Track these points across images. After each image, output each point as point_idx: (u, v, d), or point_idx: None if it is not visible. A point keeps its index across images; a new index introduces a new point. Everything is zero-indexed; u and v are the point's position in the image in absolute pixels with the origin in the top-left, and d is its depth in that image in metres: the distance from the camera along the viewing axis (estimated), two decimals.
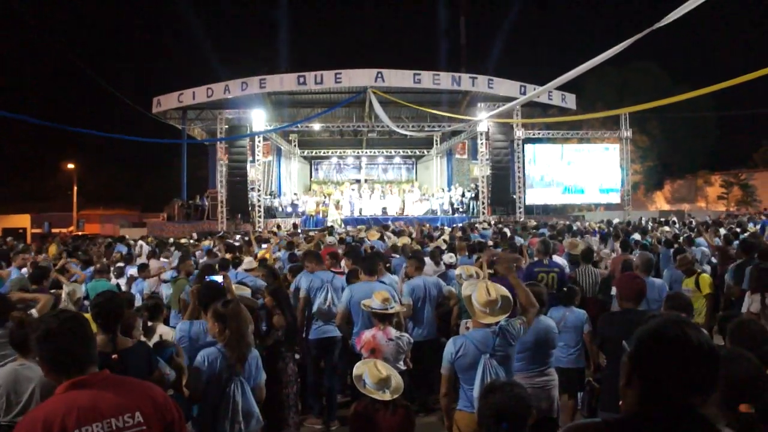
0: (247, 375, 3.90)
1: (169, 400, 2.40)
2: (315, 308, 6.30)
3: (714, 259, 10.17)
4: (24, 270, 8.94)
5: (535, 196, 26.73)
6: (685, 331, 1.54)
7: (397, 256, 9.19)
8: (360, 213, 27.09)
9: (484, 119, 23.95)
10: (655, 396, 1.53)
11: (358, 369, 3.82)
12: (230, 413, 3.72)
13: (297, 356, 5.66)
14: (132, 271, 9.39)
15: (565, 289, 6.02)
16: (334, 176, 35.51)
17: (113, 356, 3.34)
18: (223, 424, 3.70)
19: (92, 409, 2.15)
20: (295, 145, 33.26)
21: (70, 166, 45.26)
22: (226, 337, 3.87)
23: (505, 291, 3.93)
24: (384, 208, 27.70)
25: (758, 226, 15.94)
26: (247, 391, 3.85)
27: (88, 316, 4.75)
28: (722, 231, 12.89)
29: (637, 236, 12.21)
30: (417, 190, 31.03)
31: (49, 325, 2.31)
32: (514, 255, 7.86)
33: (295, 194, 29.98)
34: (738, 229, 13.86)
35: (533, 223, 19.91)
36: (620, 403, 1.65)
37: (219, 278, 5.26)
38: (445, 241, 11.26)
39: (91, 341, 2.37)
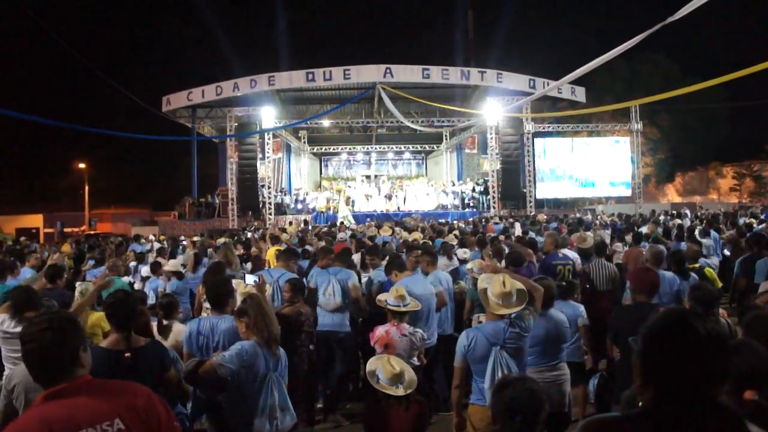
0: (280, 371, 3.88)
1: (153, 400, 2.26)
2: (318, 301, 6.33)
3: (727, 251, 10.12)
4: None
5: (545, 189, 26.63)
6: (691, 323, 1.50)
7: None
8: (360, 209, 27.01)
9: (497, 115, 23.84)
10: (672, 391, 1.49)
11: (371, 364, 3.83)
12: (268, 409, 3.69)
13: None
14: (145, 269, 9.41)
15: (563, 282, 5.96)
16: (343, 172, 35.59)
17: (126, 354, 3.33)
18: (261, 419, 3.68)
19: (68, 420, 2.04)
20: (304, 142, 33.32)
21: (82, 165, 45.66)
22: (253, 323, 3.82)
23: (519, 284, 3.96)
24: (392, 203, 27.66)
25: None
26: (282, 386, 3.84)
27: (100, 314, 4.83)
28: (739, 222, 12.80)
29: (644, 229, 12.10)
30: (427, 185, 30.95)
31: (25, 331, 2.20)
32: (524, 249, 7.85)
33: (299, 190, 30.06)
34: (752, 221, 13.75)
35: (544, 217, 19.81)
36: (639, 403, 1.61)
37: (252, 278, 5.28)
38: (456, 236, 11.21)
39: (67, 346, 2.17)
